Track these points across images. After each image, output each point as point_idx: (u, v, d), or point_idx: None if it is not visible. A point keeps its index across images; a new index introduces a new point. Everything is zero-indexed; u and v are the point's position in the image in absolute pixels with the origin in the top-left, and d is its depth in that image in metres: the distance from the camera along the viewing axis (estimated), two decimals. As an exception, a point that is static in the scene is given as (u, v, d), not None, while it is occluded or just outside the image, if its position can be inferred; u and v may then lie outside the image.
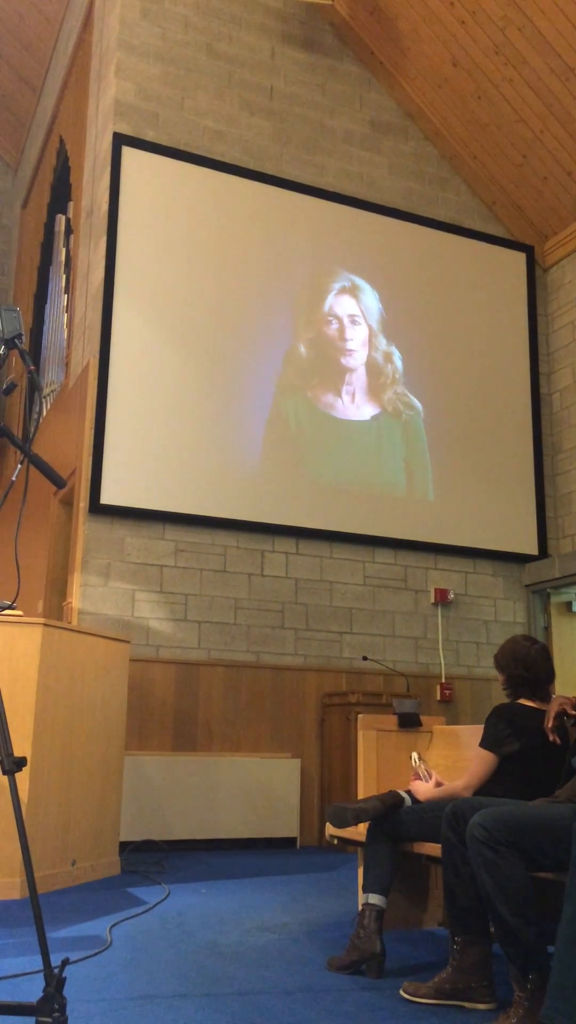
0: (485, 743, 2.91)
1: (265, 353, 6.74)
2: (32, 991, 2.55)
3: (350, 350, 7.08)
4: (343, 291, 7.17)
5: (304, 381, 6.86)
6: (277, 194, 7.05)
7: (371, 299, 7.27)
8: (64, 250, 8.15)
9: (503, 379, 7.65)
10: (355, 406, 6.98)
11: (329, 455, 6.81)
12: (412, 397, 7.25)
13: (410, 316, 7.37)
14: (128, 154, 6.56)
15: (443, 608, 7.00)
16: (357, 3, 7.34)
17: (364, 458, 6.92)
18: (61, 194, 8.61)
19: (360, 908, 2.97)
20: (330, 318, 7.09)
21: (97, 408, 6.11)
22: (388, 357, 7.23)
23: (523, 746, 2.85)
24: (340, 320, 7.12)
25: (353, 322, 7.15)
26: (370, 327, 7.21)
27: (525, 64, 6.83)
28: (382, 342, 7.23)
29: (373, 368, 7.14)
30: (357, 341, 7.13)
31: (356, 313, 7.18)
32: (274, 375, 6.75)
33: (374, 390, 7.10)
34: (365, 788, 3.53)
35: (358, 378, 7.05)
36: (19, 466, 2.42)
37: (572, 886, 2.10)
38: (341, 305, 7.15)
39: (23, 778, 4.02)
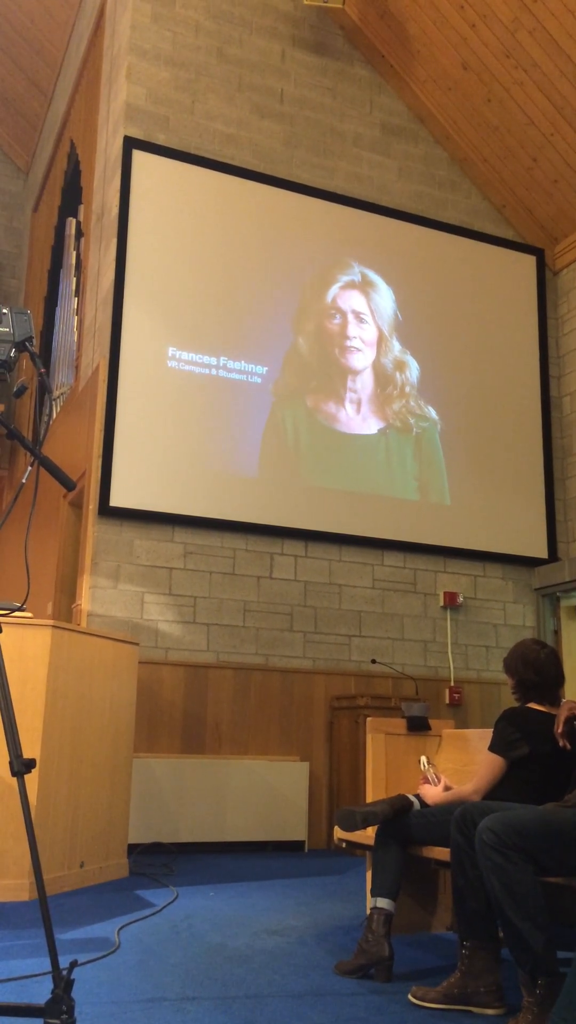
0: (494, 747, 2.90)
1: (270, 356, 6.73)
2: (40, 993, 2.56)
3: (353, 348, 6.84)
4: (351, 285, 6.99)
5: (303, 383, 6.68)
6: (287, 197, 7.06)
7: (385, 299, 7.08)
8: (74, 253, 8.18)
9: (513, 383, 7.64)
10: (360, 418, 6.72)
11: (333, 470, 6.66)
12: (428, 408, 7.05)
13: (421, 319, 7.35)
14: (139, 157, 6.58)
15: (452, 611, 6.98)
16: (367, 6, 7.35)
17: (372, 475, 6.77)
18: (72, 197, 8.64)
19: (368, 912, 2.97)
20: (332, 311, 6.91)
21: (107, 410, 6.13)
22: (399, 364, 6.98)
23: (532, 750, 2.84)
24: (344, 315, 6.91)
25: (359, 320, 6.92)
26: (380, 329, 7.04)
27: (535, 67, 6.82)
28: (395, 347, 7.04)
29: (381, 375, 6.96)
30: (362, 341, 6.91)
31: (364, 311, 6.94)
32: (271, 379, 6.64)
33: (381, 400, 6.87)
34: (374, 792, 3.52)
35: (363, 385, 6.82)
36: (29, 468, 2.43)
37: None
38: (347, 299, 6.95)
39: (32, 780, 4.03)
